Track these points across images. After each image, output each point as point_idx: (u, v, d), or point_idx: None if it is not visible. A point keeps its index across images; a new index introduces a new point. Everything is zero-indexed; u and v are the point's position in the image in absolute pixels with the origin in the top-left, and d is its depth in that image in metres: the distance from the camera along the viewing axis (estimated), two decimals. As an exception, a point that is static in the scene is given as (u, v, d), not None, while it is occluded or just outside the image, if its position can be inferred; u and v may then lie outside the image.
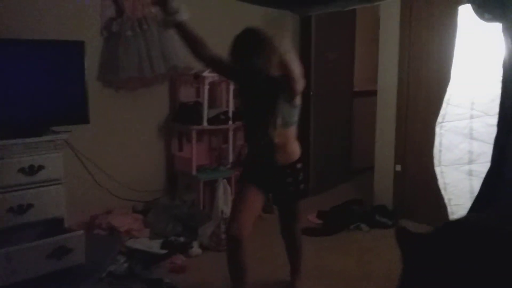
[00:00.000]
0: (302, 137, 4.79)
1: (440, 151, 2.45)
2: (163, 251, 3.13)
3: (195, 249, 3.23)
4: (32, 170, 2.68)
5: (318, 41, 4.65)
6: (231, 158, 3.96)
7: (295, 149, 2.51)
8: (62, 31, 3.19)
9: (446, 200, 2.48)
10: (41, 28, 3.13)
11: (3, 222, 2.60)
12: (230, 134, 3.94)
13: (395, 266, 1.42)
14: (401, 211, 3.99)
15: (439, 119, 2.53)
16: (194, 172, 3.75)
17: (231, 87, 3.89)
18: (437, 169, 2.46)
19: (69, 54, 2.96)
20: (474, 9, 1.99)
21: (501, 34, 1.92)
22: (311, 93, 4.65)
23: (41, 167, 2.71)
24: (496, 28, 2.07)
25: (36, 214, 2.71)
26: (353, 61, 5.31)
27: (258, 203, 2.51)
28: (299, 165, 2.51)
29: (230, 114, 3.91)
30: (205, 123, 3.76)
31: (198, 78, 3.78)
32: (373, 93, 4.37)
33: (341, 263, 3.18)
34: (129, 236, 3.26)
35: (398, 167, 4.02)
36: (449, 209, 2.48)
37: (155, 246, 3.17)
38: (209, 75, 3.73)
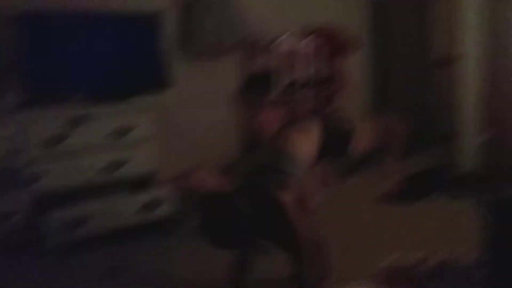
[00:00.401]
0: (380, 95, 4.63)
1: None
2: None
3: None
4: (123, 130, 2.96)
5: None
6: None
7: None
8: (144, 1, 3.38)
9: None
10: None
11: (101, 177, 2.92)
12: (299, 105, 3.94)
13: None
14: (488, 178, 3.78)
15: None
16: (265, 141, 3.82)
17: (305, 56, 3.86)
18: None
19: (150, 23, 3.16)
20: None
21: None
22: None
23: (131, 128, 2.98)
24: None
25: (128, 171, 3.00)
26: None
27: None
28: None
29: (304, 83, 3.89)
30: (275, 93, 3.79)
31: (270, 46, 3.81)
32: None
33: (422, 230, 3.05)
34: (213, 190, 3.44)
35: (484, 134, 3.80)
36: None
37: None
38: (281, 44, 3.73)
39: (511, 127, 3.66)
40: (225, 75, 3.93)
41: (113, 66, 3.04)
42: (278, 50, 3.71)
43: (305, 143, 2.04)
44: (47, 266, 2.64)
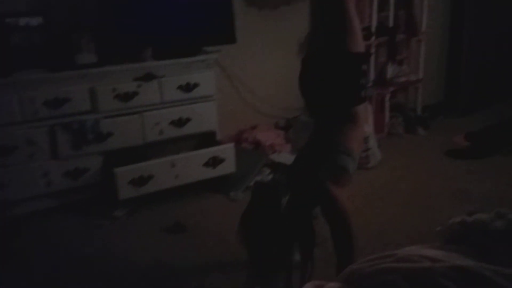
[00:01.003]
0: (453, 50, 4.42)
1: None
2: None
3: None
4: (188, 87, 2.95)
5: None
6: (372, 76, 3.84)
7: None
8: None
9: None
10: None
11: (167, 133, 2.95)
12: (373, 50, 3.79)
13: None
14: None
15: None
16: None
17: (375, 1, 3.67)
18: None
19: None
20: None
21: None
22: None
23: (196, 85, 2.96)
24: None
25: (193, 127, 3.02)
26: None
27: None
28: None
29: (373, 29, 3.73)
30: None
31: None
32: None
33: (487, 187, 2.98)
34: (272, 150, 3.46)
35: None
36: None
37: (296, 160, 3.33)
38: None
39: None
40: (289, 25, 3.81)
41: (180, 20, 2.97)
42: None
43: (361, 139, 1.93)
44: (115, 226, 2.75)
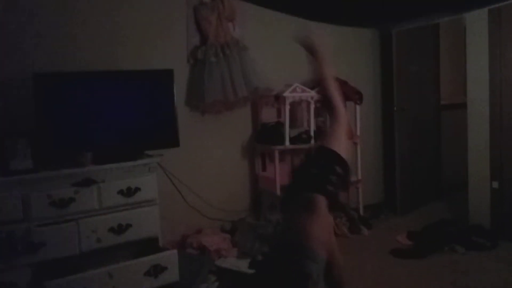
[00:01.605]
0: (388, 154, 4.71)
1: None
2: (251, 271, 3.16)
3: (283, 269, 3.22)
4: (129, 192, 2.85)
5: (399, 54, 4.53)
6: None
7: None
8: (153, 61, 3.41)
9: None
10: (133, 58, 3.36)
11: (105, 241, 2.78)
12: (312, 153, 3.92)
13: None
14: (500, 231, 3.71)
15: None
16: (278, 192, 3.77)
17: (312, 106, 3.90)
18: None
19: (160, 82, 3.15)
20: None
21: None
22: (395, 108, 4.52)
23: (137, 189, 2.87)
24: None
25: (134, 234, 2.86)
26: (439, 73, 5.11)
27: None
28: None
29: (312, 133, 3.90)
30: (287, 143, 3.79)
31: (279, 98, 3.84)
32: (462, 105, 4.16)
33: (434, 287, 3.00)
34: (218, 255, 3.34)
35: (495, 184, 3.76)
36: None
37: (243, 266, 3.22)
38: (290, 95, 3.77)
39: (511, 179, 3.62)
40: (232, 129, 3.91)
41: (122, 124, 2.97)
42: (287, 101, 3.74)
43: (325, 230, 1.93)
44: None
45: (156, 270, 2.80)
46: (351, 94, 4.18)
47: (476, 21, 3.83)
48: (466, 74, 4.00)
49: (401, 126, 4.54)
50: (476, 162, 3.93)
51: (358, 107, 4.27)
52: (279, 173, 3.78)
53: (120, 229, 2.82)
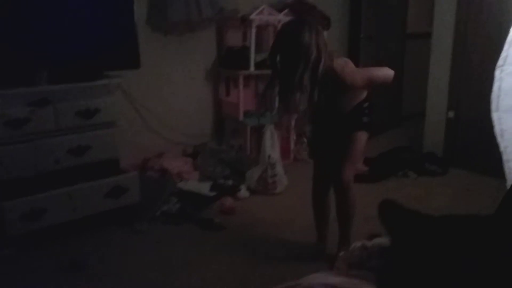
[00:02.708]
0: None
1: (498, 96, 2.33)
2: (213, 193, 3.24)
3: (243, 192, 3.32)
4: (88, 113, 2.78)
5: (369, -20, 4.42)
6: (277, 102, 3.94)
7: (360, 94, 2.39)
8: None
9: (501, 148, 2.39)
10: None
11: (64, 163, 2.74)
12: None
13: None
14: (451, 159, 3.90)
15: (500, 61, 2.39)
16: (241, 118, 3.78)
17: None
18: (495, 115, 2.36)
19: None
20: None
21: None
22: (361, 35, 4.49)
23: (97, 110, 2.80)
24: None
25: (93, 156, 2.83)
26: (407, 1, 5.04)
27: None
28: (365, 105, 2.40)
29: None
30: (252, 68, 3.74)
31: (245, 21, 3.72)
32: (427, 35, 4.16)
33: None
34: (180, 178, 3.38)
35: (451, 114, 3.89)
36: (504, 157, 2.39)
37: (204, 188, 3.29)
38: (256, 18, 3.66)
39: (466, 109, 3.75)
40: (196, 52, 3.80)
41: (80, 43, 2.82)
42: (253, 24, 3.64)
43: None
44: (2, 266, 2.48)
45: (117, 192, 2.82)
46: (319, 19, 4.09)
47: None
48: (434, 3, 3.97)
49: (366, 54, 4.54)
50: (435, 92, 4.02)
51: (325, 32, 4.19)
52: (243, 99, 3.77)
53: (79, 151, 2.78)
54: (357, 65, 4.48)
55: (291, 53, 2.17)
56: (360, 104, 2.39)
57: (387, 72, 2.36)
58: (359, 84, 2.28)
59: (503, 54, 2.36)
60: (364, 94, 2.41)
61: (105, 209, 2.81)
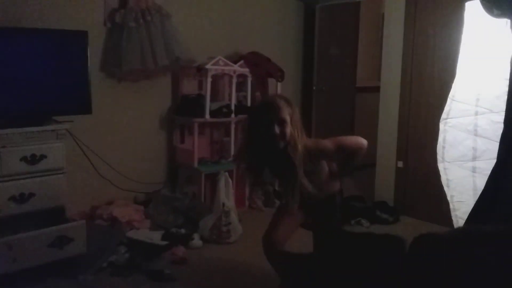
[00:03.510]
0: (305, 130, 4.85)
1: (443, 147, 2.45)
2: (164, 243, 3.13)
3: (196, 241, 3.23)
4: (34, 159, 2.67)
5: (321, 36, 4.66)
6: (232, 151, 3.95)
7: (332, 184, 2.42)
8: (65, 20, 3.17)
9: (448, 197, 2.48)
10: (44, 17, 3.11)
11: (5, 210, 2.59)
12: (232, 127, 3.94)
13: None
14: (402, 207, 4.00)
15: (444, 115, 2.53)
16: (195, 165, 3.74)
17: (234, 80, 3.89)
18: (440, 166, 2.46)
19: (72, 44, 2.93)
20: (483, 4, 1.98)
21: (510, 30, 1.91)
22: (314, 88, 4.65)
23: (43, 156, 2.69)
24: (504, 24, 2.06)
25: (38, 203, 2.69)
26: (356, 57, 5.31)
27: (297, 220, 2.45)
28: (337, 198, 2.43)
29: (233, 107, 3.90)
30: (207, 116, 3.75)
31: (200, 70, 3.77)
32: (376, 89, 4.36)
33: None
34: (130, 227, 3.26)
35: (400, 164, 4.02)
36: (451, 206, 2.48)
37: (156, 237, 3.17)
38: (212, 68, 3.72)
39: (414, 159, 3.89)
40: (151, 99, 3.79)
41: (28, 85, 2.74)
42: (209, 73, 3.68)
43: None
44: None
45: (62, 242, 2.67)
46: (274, 71, 4.22)
47: (394, 5, 4.00)
48: (382, 59, 4.19)
49: (319, 105, 4.68)
50: (384, 143, 4.16)
51: (279, 84, 4.31)
52: (197, 146, 3.75)
53: (22, 198, 2.64)
54: (310, 117, 4.60)
55: (265, 147, 2.15)
56: (333, 195, 2.39)
57: (358, 140, 2.36)
58: (329, 147, 2.25)
59: (446, 108, 2.51)
60: (338, 185, 2.42)
61: (48, 260, 2.63)
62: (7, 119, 2.64)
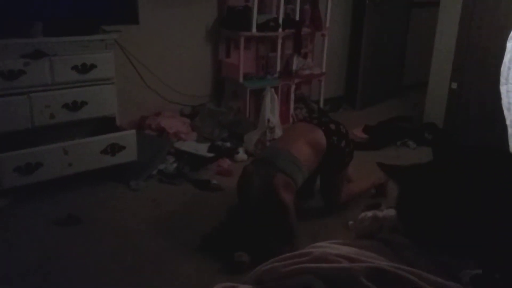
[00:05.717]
0: (353, 48, 4.66)
1: (509, 68, 2.27)
2: (211, 154, 3.20)
3: (241, 155, 3.28)
4: (84, 68, 2.70)
5: None
6: (278, 67, 3.87)
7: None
8: None
9: (508, 121, 2.35)
10: None
11: (59, 117, 2.69)
12: (279, 42, 3.81)
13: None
14: (452, 130, 3.87)
15: (512, 33, 2.32)
16: (241, 80, 3.70)
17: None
18: (503, 88, 2.30)
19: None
20: None
21: None
22: (367, 1, 4.37)
23: (93, 66, 2.72)
24: None
25: (90, 112, 2.78)
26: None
27: None
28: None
29: (280, 21, 3.75)
30: (253, 30, 3.63)
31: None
32: (434, 4, 4.05)
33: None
34: (177, 138, 3.34)
35: (454, 85, 3.82)
36: (510, 130, 2.36)
37: (202, 149, 3.25)
38: (261, -23, 3.53)
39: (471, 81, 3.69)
40: (197, 10, 3.69)
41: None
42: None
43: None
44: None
45: (114, 149, 2.78)
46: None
47: None
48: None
49: (370, 20, 4.43)
50: (439, 62, 3.95)
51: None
52: (243, 61, 3.68)
53: (75, 106, 2.72)
54: (361, 32, 4.37)
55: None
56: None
57: None
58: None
59: (516, 24, 2.29)
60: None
61: (101, 166, 2.78)
62: (58, 29, 2.64)
